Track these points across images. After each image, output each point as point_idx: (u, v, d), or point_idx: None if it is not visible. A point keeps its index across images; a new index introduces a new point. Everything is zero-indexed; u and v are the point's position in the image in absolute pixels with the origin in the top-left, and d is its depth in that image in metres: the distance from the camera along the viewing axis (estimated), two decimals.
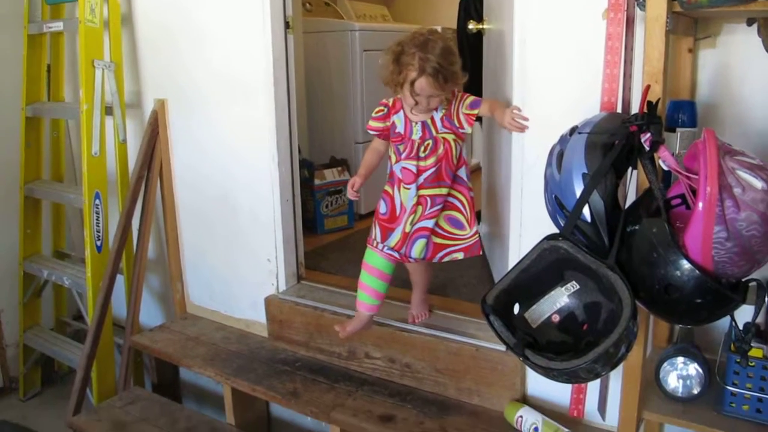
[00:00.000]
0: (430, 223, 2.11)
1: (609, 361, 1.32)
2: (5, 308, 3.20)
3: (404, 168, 2.09)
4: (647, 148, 1.39)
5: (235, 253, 2.78)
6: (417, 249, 2.14)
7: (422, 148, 2.05)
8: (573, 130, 1.52)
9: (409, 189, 2.09)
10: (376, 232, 2.19)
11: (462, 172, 2.12)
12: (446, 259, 2.17)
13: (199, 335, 2.82)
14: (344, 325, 2.25)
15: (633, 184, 1.59)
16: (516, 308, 1.50)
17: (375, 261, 2.18)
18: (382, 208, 2.18)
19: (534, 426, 2.01)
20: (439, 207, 2.10)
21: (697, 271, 1.25)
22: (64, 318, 3.39)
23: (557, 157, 1.51)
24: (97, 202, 2.77)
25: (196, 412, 2.68)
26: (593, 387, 2.00)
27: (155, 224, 2.96)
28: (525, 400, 2.16)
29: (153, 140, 2.82)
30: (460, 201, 2.13)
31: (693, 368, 1.69)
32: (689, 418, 1.61)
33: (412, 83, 1.90)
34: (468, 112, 2.02)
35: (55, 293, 3.36)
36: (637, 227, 1.36)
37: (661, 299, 1.31)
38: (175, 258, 2.96)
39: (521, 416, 2.06)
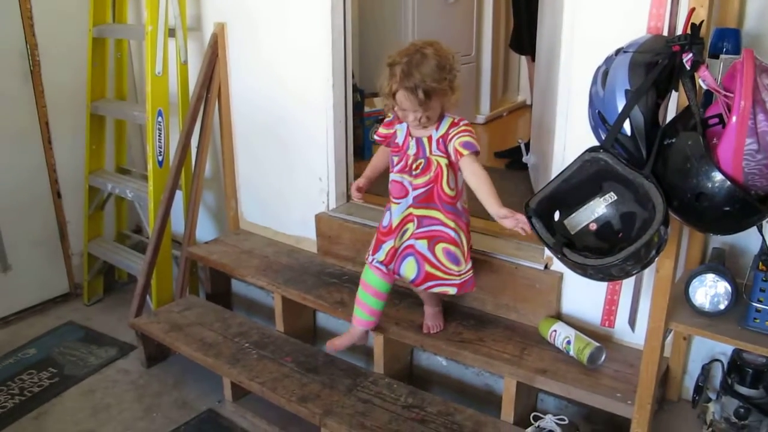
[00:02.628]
0: (419, 245, 2.12)
1: (640, 261, 1.43)
2: (71, 220, 3.41)
3: (395, 181, 2.12)
4: (688, 68, 1.46)
5: (288, 172, 2.92)
6: (406, 268, 2.15)
7: (414, 165, 2.06)
8: (618, 51, 1.59)
9: (398, 203, 2.12)
10: (371, 245, 2.23)
11: (459, 205, 2.11)
12: (435, 290, 2.17)
13: (252, 249, 2.99)
14: (333, 341, 2.34)
15: (673, 107, 1.66)
16: (556, 215, 1.60)
17: (369, 278, 2.21)
18: (384, 219, 2.21)
19: (567, 339, 2.13)
20: (429, 230, 2.10)
21: (727, 182, 1.33)
22: (125, 231, 3.60)
23: (602, 75, 1.58)
24: (160, 119, 2.92)
25: (248, 318, 2.88)
26: (624, 302, 2.11)
27: (212, 143, 3.11)
28: (559, 317, 2.28)
29: (212, 62, 2.95)
30: (458, 234, 2.10)
31: (722, 286, 1.77)
32: (714, 330, 1.70)
33: (393, 95, 1.92)
34: (459, 148, 1.98)
35: (117, 207, 3.56)
36: (673, 140, 1.44)
37: (693, 208, 1.40)
38: (231, 176, 3.11)
39: (555, 330, 2.19)
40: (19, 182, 3.19)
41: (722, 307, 1.78)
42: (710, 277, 1.77)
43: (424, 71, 1.86)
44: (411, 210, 2.11)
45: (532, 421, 2.02)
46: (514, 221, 1.81)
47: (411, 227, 2.13)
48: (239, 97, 2.99)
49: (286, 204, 2.98)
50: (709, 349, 2.05)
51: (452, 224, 2.09)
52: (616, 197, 1.53)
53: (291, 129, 2.85)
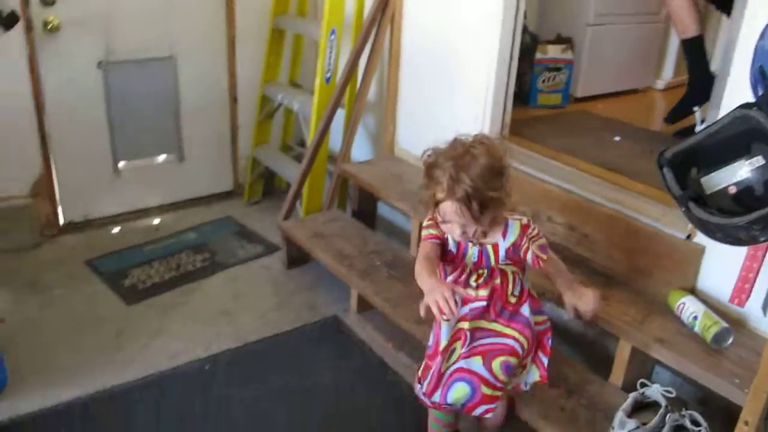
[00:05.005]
0: (473, 365, 1.78)
1: None
2: (243, 125, 3.68)
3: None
4: None
5: (448, 104, 2.95)
6: (455, 394, 1.79)
7: (474, 276, 1.74)
8: None
9: (448, 321, 1.73)
10: (421, 367, 1.87)
11: (525, 309, 1.79)
12: (489, 415, 1.81)
13: (401, 174, 3.07)
14: None
15: None
16: (693, 172, 1.52)
17: (432, 410, 1.95)
18: (430, 338, 1.86)
19: (694, 315, 2.02)
20: (482, 343, 1.78)
21: None
22: (289, 142, 3.82)
23: None
24: (332, 37, 3.04)
25: (386, 239, 2.99)
26: (761, 285, 1.97)
27: (379, 67, 3.19)
28: (692, 291, 2.17)
29: None
30: (520, 344, 1.78)
31: None
32: None
33: (437, 204, 1.58)
34: (539, 254, 1.69)
35: (285, 119, 3.78)
36: None
37: None
38: (392, 101, 3.19)
39: (684, 303, 2.08)
40: (204, 85, 3.49)
41: None
42: None
43: (477, 177, 1.51)
44: (461, 324, 1.77)
45: (638, 387, 1.96)
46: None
47: (459, 347, 1.78)
48: (411, 24, 3.04)
49: (440, 135, 3.00)
50: None
51: (515, 333, 1.78)
52: (764, 162, 1.43)
53: (456, 61, 2.86)
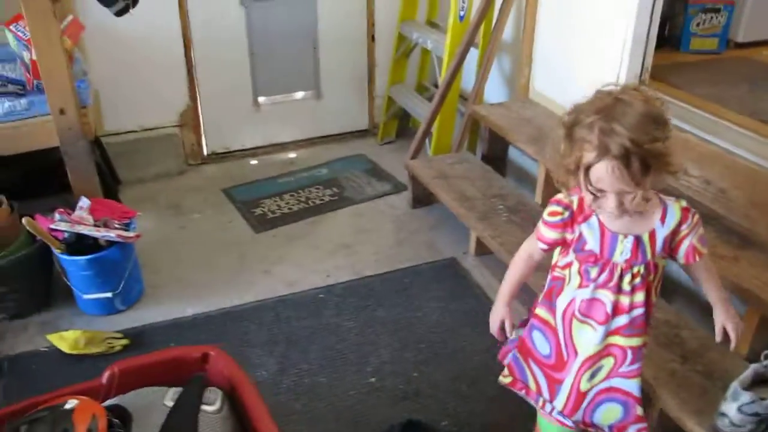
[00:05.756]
0: (630, 385, 1.47)
1: None
2: (379, 63, 3.68)
3: (595, 300, 1.42)
4: None
5: (585, 46, 2.76)
6: (604, 415, 1.51)
7: (628, 277, 1.39)
8: None
9: (594, 329, 1.43)
10: (540, 382, 1.55)
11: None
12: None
13: (532, 117, 2.95)
14: None
15: None
16: None
17: (547, 428, 1.63)
18: (542, 344, 1.53)
19: None
20: (638, 365, 1.46)
21: None
22: (425, 82, 3.78)
23: None
24: None
25: (509, 184, 2.90)
26: None
27: (517, 7, 3.05)
28: None
29: None
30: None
31: None
32: None
33: (587, 169, 1.25)
34: (699, 247, 1.39)
35: (422, 60, 3.74)
36: None
37: None
38: (528, 43, 3.05)
39: None
40: (343, 22, 3.52)
41: None
42: None
43: (635, 127, 1.20)
44: (615, 340, 1.44)
45: (762, 359, 1.78)
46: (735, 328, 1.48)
47: (610, 364, 1.47)
48: None
49: (574, 78, 2.85)
50: None
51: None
52: None
53: (597, 1, 2.67)
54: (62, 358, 2.16)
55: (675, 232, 1.37)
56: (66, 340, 2.18)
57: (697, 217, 1.39)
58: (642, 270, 1.38)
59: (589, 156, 1.22)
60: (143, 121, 3.29)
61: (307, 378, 2.12)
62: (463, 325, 2.35)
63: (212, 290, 2.52)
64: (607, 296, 1.39)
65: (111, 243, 2.27)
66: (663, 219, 1.37)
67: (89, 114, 2.46)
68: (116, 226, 2.32)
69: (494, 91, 3.33)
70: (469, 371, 2.14)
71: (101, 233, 2.24)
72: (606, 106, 1.23)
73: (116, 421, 1.30)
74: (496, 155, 3.20)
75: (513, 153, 3.21)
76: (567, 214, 1.39)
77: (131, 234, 2.31)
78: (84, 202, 2.35)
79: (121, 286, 2.33)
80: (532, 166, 3.06)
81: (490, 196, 2.74)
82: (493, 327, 1.59)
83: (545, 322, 1.50)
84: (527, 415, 1.77)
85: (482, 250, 2.68)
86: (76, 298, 2.38)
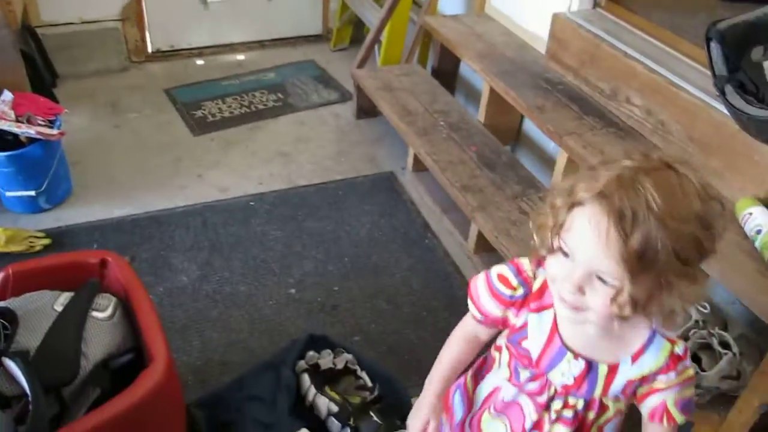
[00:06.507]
0: None
1: None
2: None
3: (516, 403, 1.11)
4: None
5: None
6: None
7: (559, 403, 1.06)
8: None
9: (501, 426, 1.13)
10: None
11: None
12: None
13: (484, 33, 2.87)
14: None
15: None
16: (757, 52, 1.29)
17: None
18: (458, 409, 1.22)
19: (758, 228, 1.79)
20: None
21: None
22: None
23: None
24: None
25: (455, 100, 2.85)
26: None
27: None
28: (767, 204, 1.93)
29: None
30: None
31: None
32: None
33: (570, 209, 0.87)
34: (674, 412, 1.02)
35: None
36: None
37: None
38: None
39: (750, 213, 1.85)
40: None
41: None
42: None
43: (671, 206, 0.81)
44: None
45: None
46: None
47: None
48: None
49: None
50: None
51: None
52: None
53: None
54: None
55: (647, 379, 1.01)
56: None
57: (690, 373, 1.01)
58: (579, 405, 1.05)
59: (581, 194, 0.85)
60: (83, 12, 3.13)
61: (228, 286, 2.12)
62: (390, 240, 2.36)
63: (142, 192, 2.48)
64: (530, 409, 1.09)
65: (33, 140, 2.21)
66: (637, 356, 0.99)
67: (13, 1, 2.34)
68: (39, 122, 2.24)
69: (452, 2, 3.23)
70: (388, 288, 2.16)
71: (21, 129, 2.17)
72: (625, 179, 0.84)
73: (1, 322, 1.28)
74: (447, 70, 3.13)
75: (465, 69, 3.14)
76: (521, 292, 1.03)
77: (54, 132, 2.24)
78: (6, 95, 2.26)
79: (45, 184, 2.28)
80: (482, 83, 3.00)
81: (433, 112, 2.70)
82: (414, 429, 1.12)
83: (466, 390, 1.21)
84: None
85: (420, 166, 2.65)
86: (0, 195, 2.33)
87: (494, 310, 1.05)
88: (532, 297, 1.02)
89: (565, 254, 0.87)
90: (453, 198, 2.32)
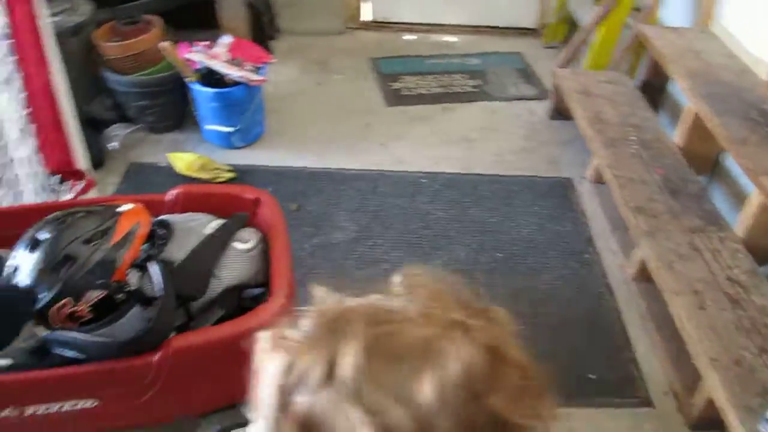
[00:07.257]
0: None
1: None
2: None
3: None
4: None
5: None
6: None
7: None
8: None
9: None
10: None
11: None
12: None
13: (702, 51, 2.66)
14: None
15: None
16: None
17: None
18: None
19: None
20: None
21: None
22: None
23: None
24: None
25: (655, 117, 2.70)
26: None
27: None
28: None
29: None
30: None
31: None
32: None
33: None
34: None
35: None
36: None
37: None
38: None
39: None
40: None
41: None
42: None
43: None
44: None
45: None
46: None
47: None
48: None
49: None
50: None
51: None
52: None
53: None
54: (174, 175, 2.39)
55: None
56: (182, 161, 2.40)
57: None
58: None
59: None
60: None
61: (378, 253, 2.20)
62: (550, 247, 2.31)
63: (326, 149, 2.64)
64: None
65: (238, 82, 2.41)
66: None
67: None
68: (247, 68, 2.45)
69: (677, 13, 3.03)
70: (533, 293, 2.12)
71: (228, 71, 2.38)
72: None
73: (160, 232, 1.43)
74: (656, 84, 2.95)
75: (674, 87, 2.94)
76: None
77: (256, 78, 2.44)
78: (225, 38, 2.49)
79: (241, 124, 2.49)
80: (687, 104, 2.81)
81: (627, 125, 2.57)
82: None
83: None
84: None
85: (600, 178, 2.54)
86: (200, 127, 2.59)
87: None
88: None
89: None
90: (623, 217, 2.22)
